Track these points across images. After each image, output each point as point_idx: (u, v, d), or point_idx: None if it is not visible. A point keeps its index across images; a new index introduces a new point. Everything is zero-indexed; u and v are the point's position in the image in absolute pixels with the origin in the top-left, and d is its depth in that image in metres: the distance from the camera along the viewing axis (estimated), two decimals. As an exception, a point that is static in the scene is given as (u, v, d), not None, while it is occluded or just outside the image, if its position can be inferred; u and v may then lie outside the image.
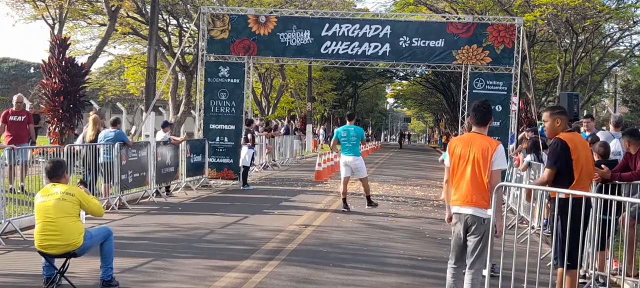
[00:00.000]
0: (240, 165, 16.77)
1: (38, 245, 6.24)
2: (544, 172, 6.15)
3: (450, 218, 5.88)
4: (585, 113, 15.12)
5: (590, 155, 6.23)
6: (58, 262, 6.38)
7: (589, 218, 5.47)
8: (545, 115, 6.37)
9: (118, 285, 6.51)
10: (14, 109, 12.87)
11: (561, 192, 5.65)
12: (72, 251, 6.22)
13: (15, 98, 13.09)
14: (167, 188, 14.78)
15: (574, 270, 5.85)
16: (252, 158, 16.78)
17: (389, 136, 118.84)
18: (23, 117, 12.83)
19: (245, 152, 16.63)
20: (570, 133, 6.17)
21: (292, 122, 38.12)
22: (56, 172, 6.45)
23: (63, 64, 19.84)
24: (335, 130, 13.44)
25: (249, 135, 16.87)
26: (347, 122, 13.19)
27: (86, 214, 6.76)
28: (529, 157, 11.22)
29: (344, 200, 12.72)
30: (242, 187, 16.40)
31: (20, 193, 11.39)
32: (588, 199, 5.64)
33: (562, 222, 5.80)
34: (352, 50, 17.05)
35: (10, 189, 11.02)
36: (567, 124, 6.25)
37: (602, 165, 7.30)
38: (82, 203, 6.33)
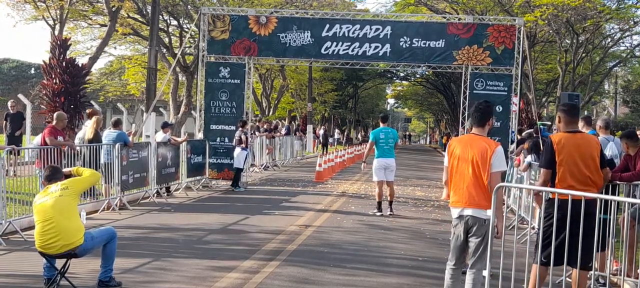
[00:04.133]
0: (234, 166, 16.71)
1: (38, 246, 6.25)
2: (541, 173, 6.22)
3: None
4: (585, 113, 15.14)
5: (584, 157, 5.97)
6: (59, 263, 6.39)
7: (580, 220, 5.34)
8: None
9: (118, 285, 6.52)
10: (57, 126, 10.99)
11: (562, 193, 5.62)
12: (73, 251, 6.23)
13: (57, 115, 11.23)
14: (168, 189, 14.79)
15: (542, 267, 5.92)
16: (245, 160, 16.70)
17: None
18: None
19: (237, 153, 16.50)
20: (564, 134, 6.06)
21: (292, 122, 38.11)
22: (54, 176, 6.56)
23: (64, 64, 19.86)
24: (372, 132, 12.88)
25: (243, 137, 16.76)
26: (382, 124, 12.76)
27: (87, 214, 6.77)
28: (529, 158, 11.22)
29: (380, 204, 12.55)
30: (232, 187, 16.32)
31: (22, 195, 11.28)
32: (570, 201, 5.28)
33: (545, 219, 5.98)
34: (352, 50, 17.05)
35: None
36: (567, 123, 6.13)
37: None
38: (80, 189, 6.56)
